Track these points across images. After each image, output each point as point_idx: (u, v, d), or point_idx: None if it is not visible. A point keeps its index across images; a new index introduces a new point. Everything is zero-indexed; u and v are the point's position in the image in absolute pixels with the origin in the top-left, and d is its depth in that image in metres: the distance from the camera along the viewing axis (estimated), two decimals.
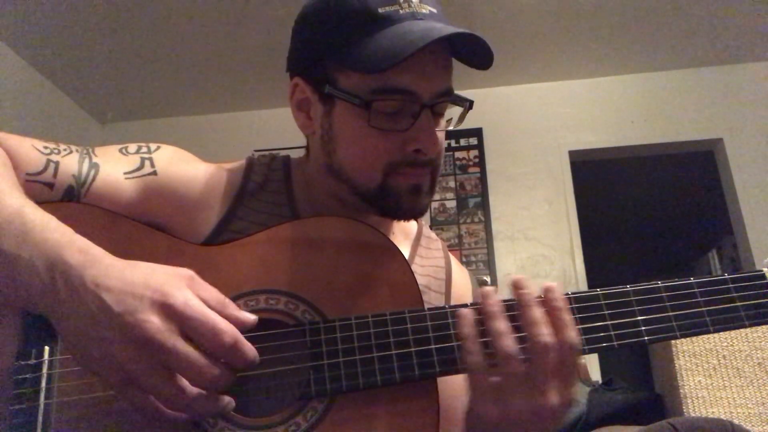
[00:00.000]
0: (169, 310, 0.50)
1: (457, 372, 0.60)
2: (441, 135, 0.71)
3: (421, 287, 0.66)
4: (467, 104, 0.72)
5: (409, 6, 0.67)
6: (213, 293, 0.54)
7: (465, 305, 0.63)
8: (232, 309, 0.54)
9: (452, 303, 0.81)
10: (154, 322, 0.49)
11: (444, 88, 0.69)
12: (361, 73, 0.65)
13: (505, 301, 0.59)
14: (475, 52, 0.67)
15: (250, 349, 0.53)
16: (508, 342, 0.55)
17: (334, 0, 0.67)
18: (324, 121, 0.71)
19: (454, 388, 0.67)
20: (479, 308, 0.59)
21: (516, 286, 0.57)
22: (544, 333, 0.55)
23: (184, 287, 0.52)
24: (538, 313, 0.56)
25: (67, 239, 0.54)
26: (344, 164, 0.70)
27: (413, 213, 0.71)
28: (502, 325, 0.56)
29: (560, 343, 0.55)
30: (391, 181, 0.68)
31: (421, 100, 0.66)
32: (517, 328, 0.57)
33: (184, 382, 0.50)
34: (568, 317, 0.56)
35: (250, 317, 0.55)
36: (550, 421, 0.56)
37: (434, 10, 0.69)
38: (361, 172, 0.69)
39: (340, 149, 0.70)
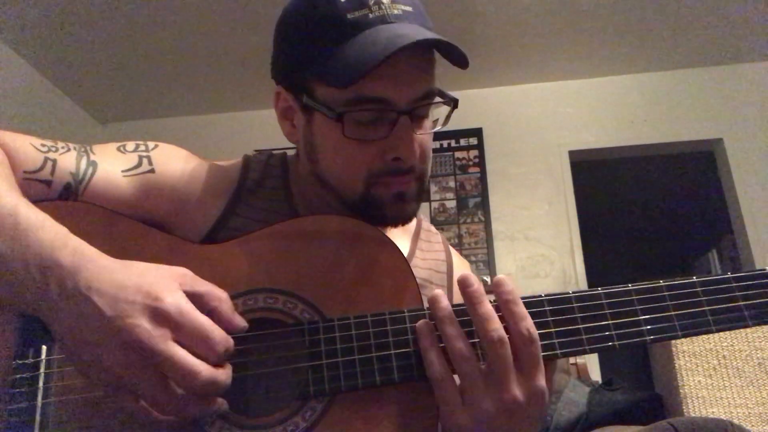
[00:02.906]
0: (160, 315, 0.50)
1: (454, 373, 0.60)
2: (427, 138, 0.70)
3: (422, 281, 0.66)
4: (452, 103, 0.70)
5: (380, 8, 0.64)
6: (210, 288, 0.54)
7: (464, 303, 0.62)
8: (226, 308, 0.54)
9: (454, 296, 0.81)
10: (145, 326, 0.49)
11: (422, 92, 0.67)
12: (328, 84, 0.64)
13: (456, 305, 0.59)
14: (449, 53, 0.65)
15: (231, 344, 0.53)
16: (460, 344, 0.55)
17: (306, 7, 0.66)
18: (306, 131, 0.70)
19: None
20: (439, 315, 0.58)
21: (463, 284, 0.57)
22: (495, 327, 0.55)
23: (176, 290, 0.52)
24: (486, 308, 0.56)
25: (60, 240, 0.54)
26: (326, 174, 0.70)
27: (399, 221, 0.70)
28: (451, 329, 0.56)
29: (514, 336, 0.55)
30: (374, 190, 0.67)
31: (397, 107, 0.65)
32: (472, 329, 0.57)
33: (175, 387, 0.50)
34: (520, 309, 0.56)
35: (241, 323, 0.55)
36: (523, 417, 0.55)
37: (408, 9, 0.66)
38: (343, 183, 0.69)
39: (322, 159, 0.70)
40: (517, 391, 0.54)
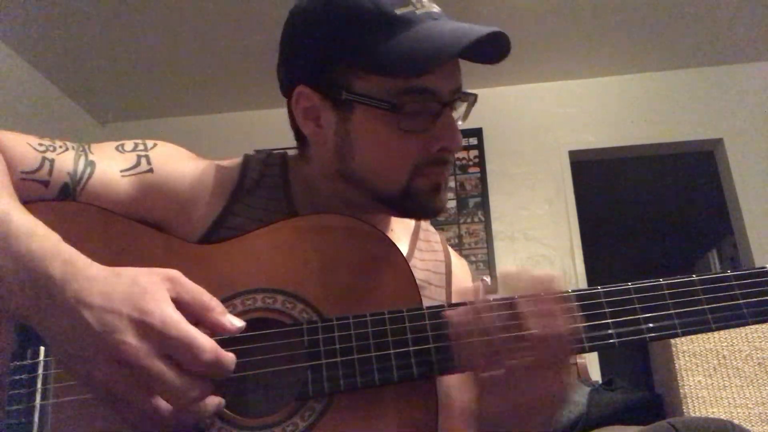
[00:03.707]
0: (146, 329, 0.49)
1: (455, 372, 0.59)
2: None
3: (420, 282, 0.66)
4: (472, 99, 0.72)
5: (422, 6, 0.66)
6: (197, 295, 0.54)
7: (464, 303, 0.62)
8: (218, 313, 0.54)
9: (453, 296, 0.81)
10: (131, 343, 0.48)
11: (459, 84, 0.69)
12: (389, 76, 0.63)
13: (499, 298, 0.59)
14: (488, 49, 0.66)
15: (230, 361, 0.52)
16: (504, 334, 0.56)
17: (340, 3, 0.65)
18: (339, 128, 0.68)
19: (451, 380, 0.67)
20: (474, 306, 0.59)
21: (513, 279, 0.58)
22: (546, 324, 0.56)
23: (164, 299, 0.51)
24: (539, 304, 0.57)
25: (52, 249, 0.53)
26: (366, 170, 0.68)
27: (436, 211, 0.71)
28: (494, 319, 0.57)
29: (559, 333, 0.56)
30: (415, 182, 0.68)
31: (443, 99, 0.66)
32: (513, 321, 0.57)
33: (164, 401, 0.50)
34: (564, 307, 0.57)
35: (236, 324, 0.54)
36: (553, 406, 0.58)
37: (439, 8, 0.68)
38: (385, 177, 0.68)
39: (361, 155, 0.68)
40: (555, 385, 0.57)
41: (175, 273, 0.54)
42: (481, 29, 0.63)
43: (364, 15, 0.64)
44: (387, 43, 0.63)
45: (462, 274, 0.86)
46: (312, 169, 0.75)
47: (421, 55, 0.62)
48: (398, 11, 0.64)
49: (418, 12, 0.65)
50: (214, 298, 0.55)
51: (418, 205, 0.69)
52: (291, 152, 0.82)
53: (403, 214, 0.70)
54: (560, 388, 0.58)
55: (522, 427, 0.59)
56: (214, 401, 0.53)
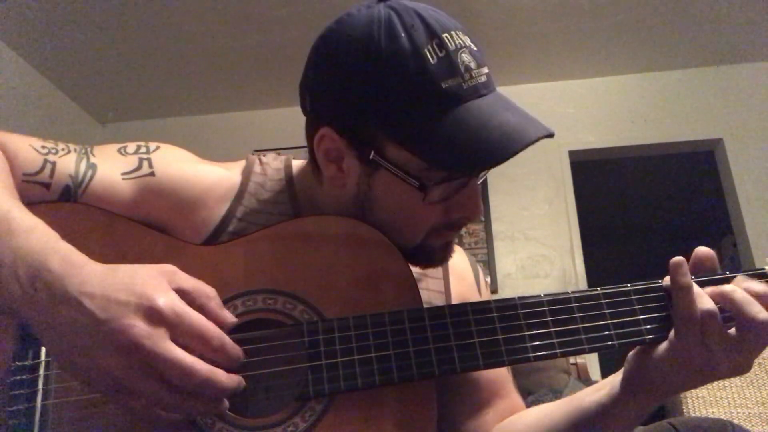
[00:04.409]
0: (154, 314, 0.49)
1: (455, 372, 0.60)
2: None
3: (417, 274, 0.66)
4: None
5: (471, 76, 0.61)
6: (196, 285, 0.54)
7: (465, 304, 0.63)
8: (215, 305, 0.54)
9: (451, 284, 0.81)
10: (140, 326, 0.48)
11: None
12: (426, 161, 0.61)
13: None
14: None
15: (233, 348, 0.53)
16: (711, 304, 0.58)
17: (385, 57, 0.60)
18: (362, 181, 0.66)
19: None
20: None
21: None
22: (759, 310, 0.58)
23: (167, 288, 0.52)
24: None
25: (50, 246, 0.54)
26: (382, 223, 0.67)
27: (444, 262, 0.73)
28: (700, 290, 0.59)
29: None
30: (429, 241, 0.68)
31: (472, 174, 0.66)
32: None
33: (175, 385, 0.50)
34: None
35: (230, 318, 0.55)
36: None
37: (486, 70, 0.64)
38: (401, 235, 0.67)
39: (380, 211, 0.67)
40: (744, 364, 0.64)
41: (171, 266, 0.54)
42: (530, 133, 0.62)
43: (408, 82, 0.59)
44: (429, 125, 0.60)
45: (460, 262, 0.86)
46: (323, 193, 0.73)
47: (464, 156, 0.59)
48: (444, 84, 0.59)
49: (464, 86, 0.60)
50: (213, 289, 0.55)
51: (428, 258, 0.70)
52: (290, 154, 0.81)
53: (411, 262, 0.69)
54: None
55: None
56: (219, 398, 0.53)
